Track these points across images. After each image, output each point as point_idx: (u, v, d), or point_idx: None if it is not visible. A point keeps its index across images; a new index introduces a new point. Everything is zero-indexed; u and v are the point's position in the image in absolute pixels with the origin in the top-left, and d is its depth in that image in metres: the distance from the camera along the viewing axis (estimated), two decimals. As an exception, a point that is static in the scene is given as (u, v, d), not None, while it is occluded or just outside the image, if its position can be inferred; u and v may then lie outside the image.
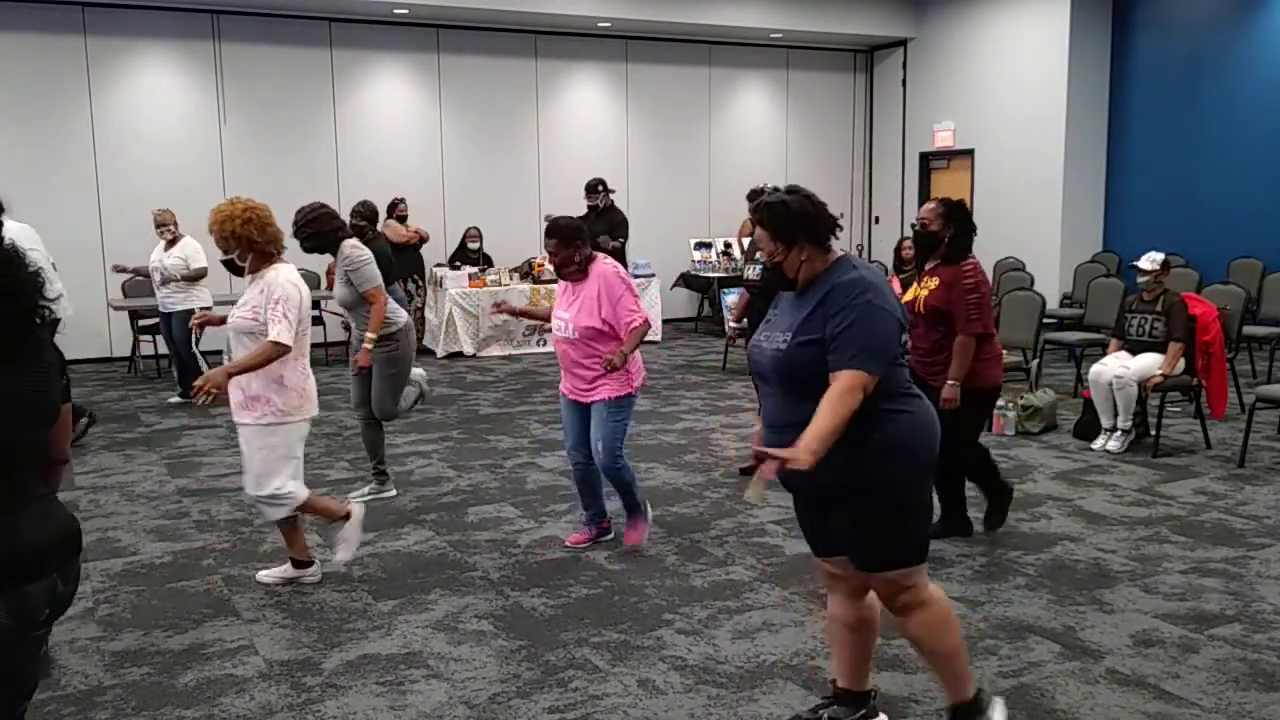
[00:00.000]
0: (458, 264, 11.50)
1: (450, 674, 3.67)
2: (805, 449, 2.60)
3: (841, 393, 2.70)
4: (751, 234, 9.55)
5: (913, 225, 4.96)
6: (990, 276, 11.33)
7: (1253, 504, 5.52)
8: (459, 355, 10.90)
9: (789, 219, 2.89)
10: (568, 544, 5.01)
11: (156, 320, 10.13)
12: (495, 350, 11.07)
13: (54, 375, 2.08)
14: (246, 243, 4.22)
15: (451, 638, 3.97)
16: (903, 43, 13.84)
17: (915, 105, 13.88)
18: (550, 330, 4.94)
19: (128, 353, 10.37)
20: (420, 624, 4.10)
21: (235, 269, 4.33)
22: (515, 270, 11.50)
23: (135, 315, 9.87)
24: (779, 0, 12.62)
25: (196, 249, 8.61)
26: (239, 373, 4.11)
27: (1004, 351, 5.08)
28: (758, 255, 6.15)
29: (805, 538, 3.12)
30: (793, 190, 2.97)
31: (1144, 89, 11.76)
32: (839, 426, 2.68)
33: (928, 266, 4.88)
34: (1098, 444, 6.70)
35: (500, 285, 11.07)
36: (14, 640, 2.00)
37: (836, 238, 2.97)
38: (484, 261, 11.63)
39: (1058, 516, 5.36)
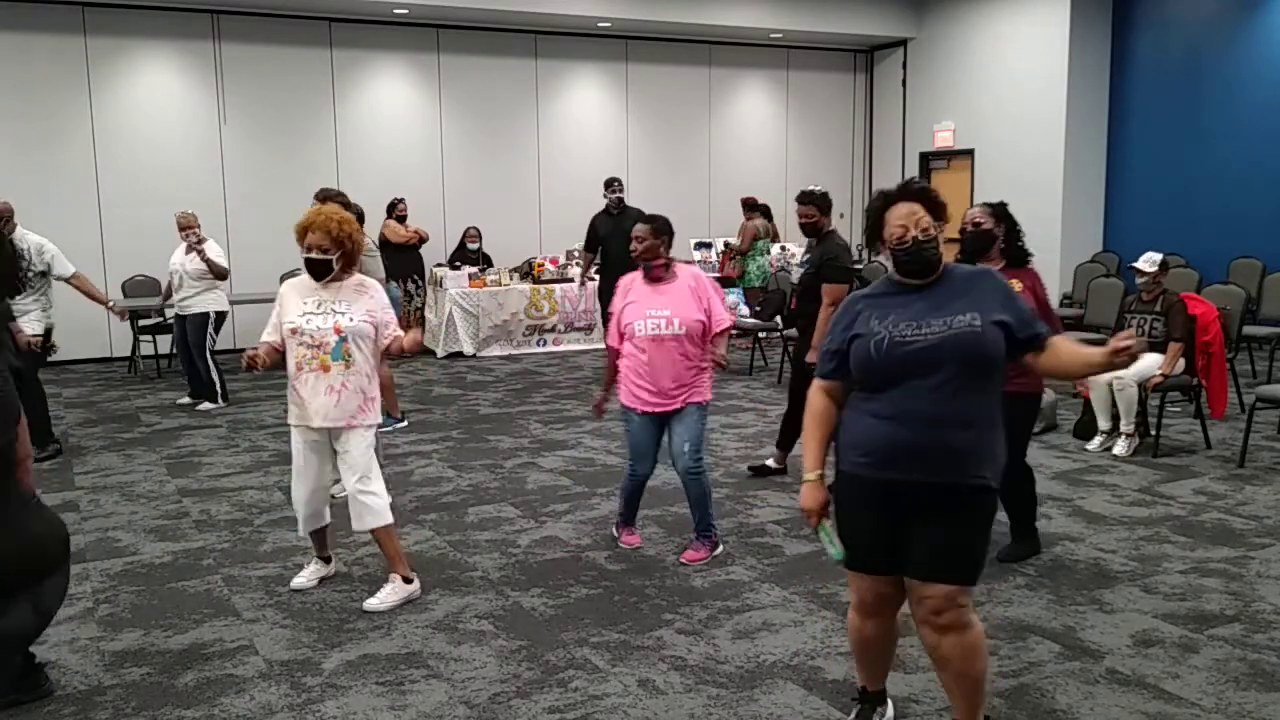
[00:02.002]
0: (458, 264, 11.50)
1: (450, 674, 3.67)
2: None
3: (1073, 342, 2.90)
4: (763, 236, 9.46)
5: (962, 228, 4.78)
6: (990, 276, 11.42)
7: (1253, 504, 5.52)
8: (459, 355, 10.90)
9: (940, 203, 2.95)
10: (624, 543, 4.97)
11: (157, 321, 10.17)
12: (495, 350, 11.07)
13: (9, 375, 2.11)
14: (351, 250, 4.28)
15: (451, 638, 3.97)
16: (903, 43, 13.84)
17: (915, 105, 13.88)
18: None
19: (128, 353, 10.37)
20: (420, 624, 4.10)
21: (318, 269, 4.25)
22: (515, 270, 11.50)
23: (135, 315, 9.86)
24: (779, 0, 12.62)
25: (219, 250, 8.48)
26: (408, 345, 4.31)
27: None
28: (804, 259, 6.03)
29: (868, 555, 2.90)
30: None
31: (1144, 89, 11.76)
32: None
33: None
34: (1093, 444, 6.70)
35: (500, 285, 11.07)
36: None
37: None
38: (483, 261, 11.63)
39: (1058, 516, 5.36)
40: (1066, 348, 2.88)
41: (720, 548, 4.86)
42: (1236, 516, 5.32)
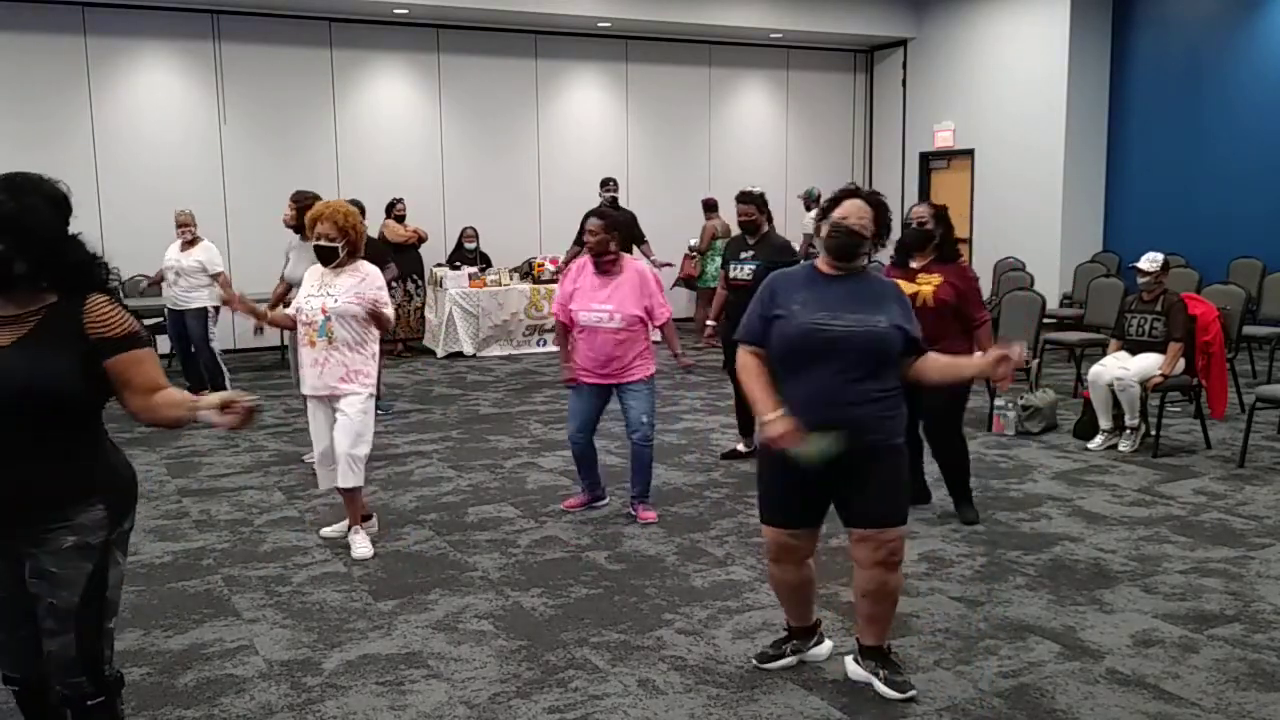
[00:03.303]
0: (457, 264, 11.50)
1: (450, 674, 3.67)
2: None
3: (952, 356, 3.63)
4: (719, 236, 9.94)
5: (905, 223, 5.33)
6: (990, 276, 11.44)
7: (1253, 504, 5.52)
8: (459, 355, 10.90)
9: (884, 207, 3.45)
10: (564, 506, 5.56)
11: (160, 319, 10.17)
12: (495, 350, 11.07)
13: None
14: (355, 240, 4.81)
15: (451, 638, 3.97)
16: (903, 43, 13.84)
17: (915, 105, 13.88)
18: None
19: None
20: (420, 624, 4.10)
21: (326, 255, 4.80)
22: (515, 270, 11.50)
23: (136, 315, 9.86)
24: (779, 0, 12.62)
25: (213, 251, 8.63)
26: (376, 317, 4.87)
27: None
28: (743, 255, 6.32)
29: (783, 512, 3.42)
30: None
31: (1144, 89, 11.76)
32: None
33: (918, 264, 5.24)
34: (1094, 444, 6.70)
35: (500, 285, 11.07)
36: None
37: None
38: (481, 261, 11.63)
39: (1058, 516, 5.36)
40: (942, 359, 3.52)
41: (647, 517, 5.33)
42: (1236, 516, 5.32)
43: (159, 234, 10.57)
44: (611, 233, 5.13)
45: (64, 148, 10.59)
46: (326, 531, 5.18)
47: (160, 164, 10.97)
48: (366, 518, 5.11)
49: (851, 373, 3.24)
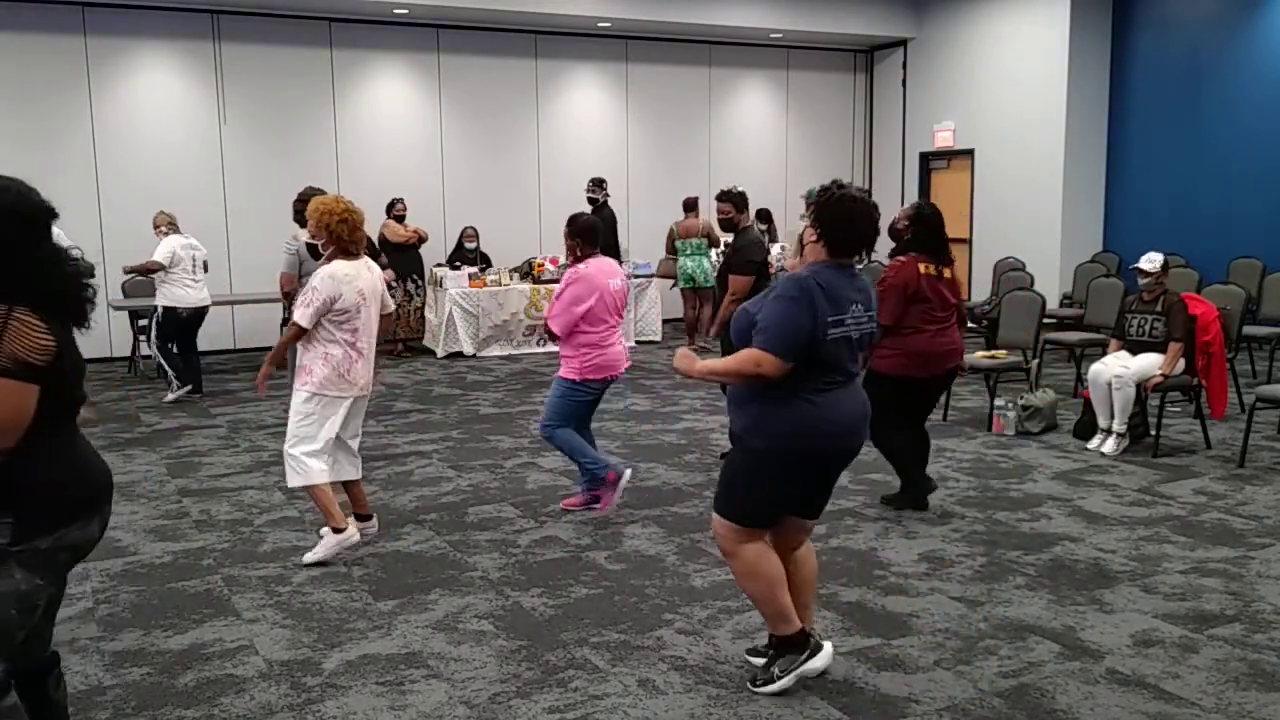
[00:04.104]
0: (457, 264, 11.49)
1: (450, 674, 3.67)
2: (686, 367, 3.54)
3: (743, 355, 3.36)
4: (679, 236, 10.00)
5: (894, 224, 5.62)
6: (990, 276, 11.44)
7: (1253, 504, 5.52)
8: (459, 355, 10.90)
9: (826, 206, 3.46)
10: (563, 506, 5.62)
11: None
12: (495, 350, 11.07)
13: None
14: (335, 237, 4.73)
15: (451, 638, 3.97)
16: (903, 43, 13.84)
17: (915, 105, 13.88)
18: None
19: (128, 353, 10.37)
20: (420, 624, 4.10)
21: (316, 253, 4.87)
22: (515, 270, 11.50)
23: (135, 315, 9.87)
24: (779, 0, 12.62)
25: (160, 247, 8.79)
26: (274, 356, 4.95)
27: (922, 349, 5.41)
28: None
29: (802, 504, 3.49)
30: None
31: (1144, 89, 11.76)
32: (728, 375, 3.48)
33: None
34: (1093, 444, 6.70)
35: (500, 285, 11.07)
36: (91, 548, 2.55)
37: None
38: (481, 261, 11.63)
39: (1058, 516, 5.36)
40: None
41: (610, 498, 5.39)
42: (1236, 516, 5.32)
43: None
44: (575, 239, 5.37)
45: (64, 148, 10.60)
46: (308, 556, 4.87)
47: (160, 164, 10.96)
48: (366, 518, 5.08)
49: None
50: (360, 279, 4.78)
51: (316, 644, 3.93)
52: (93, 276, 2.51)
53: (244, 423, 7.92)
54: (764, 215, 11.95)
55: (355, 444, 5.05)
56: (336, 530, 4.78)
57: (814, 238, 3.37)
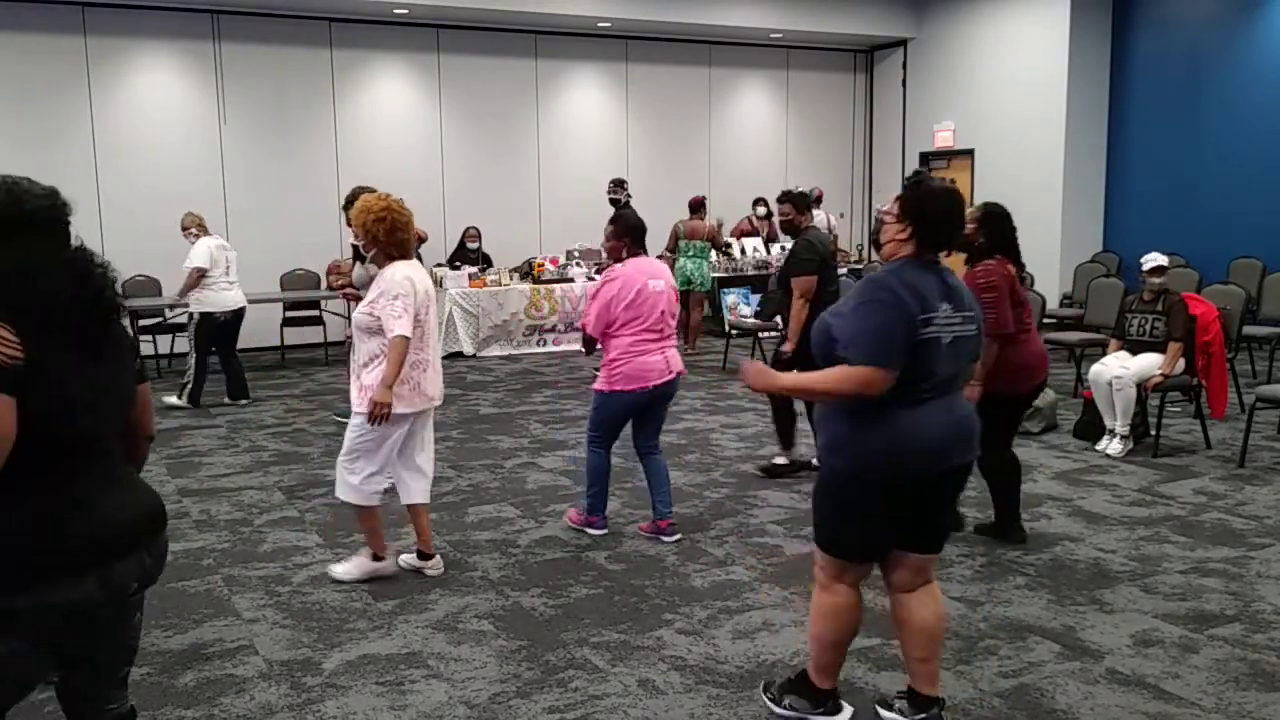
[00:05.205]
0: (458, 264, 11.50)
1: (450, 674, 3.67)
2: (764, 380, 3.14)
3: (837, 373, 2.98)
4: (684, 236, 9.65)
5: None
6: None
7: (1253, 504, 5.52)
8: (459, 355, 10.90)
9: (919, 198, 3.12)
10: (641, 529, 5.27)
11: (158, 320, 10.19)
12: (495, 350, 11.07)
13: (129, 362, 2.31)
14: (372, 238, 4.38)
15: (451, 638, 3.97)
16: (903, 43, 13.84)
17: (915, 105, 13.88)
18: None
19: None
20: (420, 624, 4.10)
21: (360, 257, 4.62)
22: (515, 270, 11.50)
23: (135, 315, 9.86)
24: (779, 0, 12.62)
25: (196, 249, 8.39)
26: (391, 384, 4.21)
27: None
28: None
29: (903, 535, 3.06)
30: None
31: (1144, 89, 11.76)
32: (815, 393, 3.15)
33: None
34: (1101, 444, 6.69)
35: (500, 285, 11.07)
36: (103, 609, 2.19)
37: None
38: (483, 261, 11.63)
39: (1058, 516, 5.36)
40: None
41: (597, 530, 5.13)
42: (1236, 516, 5.32)
43: (159, 234, 10.58)
44: (618, 239, 5.03)
45: (64, 148, 10.59)
46: (402, 559, 4.69)
47: (160, 164, 10.97)
48: (427, 556, 4.66)
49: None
50: (422, 281, 4.43)
51: (316, 644, 3.93)
52: (106, 289, 2.18)
53: (244, 423, 7.92)
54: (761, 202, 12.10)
55: (428, 462, 4.66)
56: (375, 558, 4.55)
57: (903, 232, 3.01)
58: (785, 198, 6.26)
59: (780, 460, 6.24)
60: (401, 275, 4.27)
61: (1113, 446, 6.58)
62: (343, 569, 4.58)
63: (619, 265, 4.99)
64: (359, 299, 4.80)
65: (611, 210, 10.43)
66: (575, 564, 4.76)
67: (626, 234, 5.00)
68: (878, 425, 2.92)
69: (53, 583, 2.08)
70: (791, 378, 3.06)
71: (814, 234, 6.11)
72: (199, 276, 8.32)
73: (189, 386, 8.47)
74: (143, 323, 9.98)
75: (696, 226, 11.15)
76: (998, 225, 4.85)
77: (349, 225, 5.05)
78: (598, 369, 5.12)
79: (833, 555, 3.08)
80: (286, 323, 10.82)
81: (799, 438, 6.17)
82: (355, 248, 4.64)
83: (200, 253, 8.33)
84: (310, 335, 11.06)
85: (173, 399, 8.53)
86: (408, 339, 4.18)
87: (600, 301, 4.92)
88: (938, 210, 3.02)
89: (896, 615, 3.18)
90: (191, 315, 8.44)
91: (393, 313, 4.18)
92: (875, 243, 3.24)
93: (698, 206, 11.40)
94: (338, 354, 10.80)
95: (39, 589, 2.06)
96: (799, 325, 5.79)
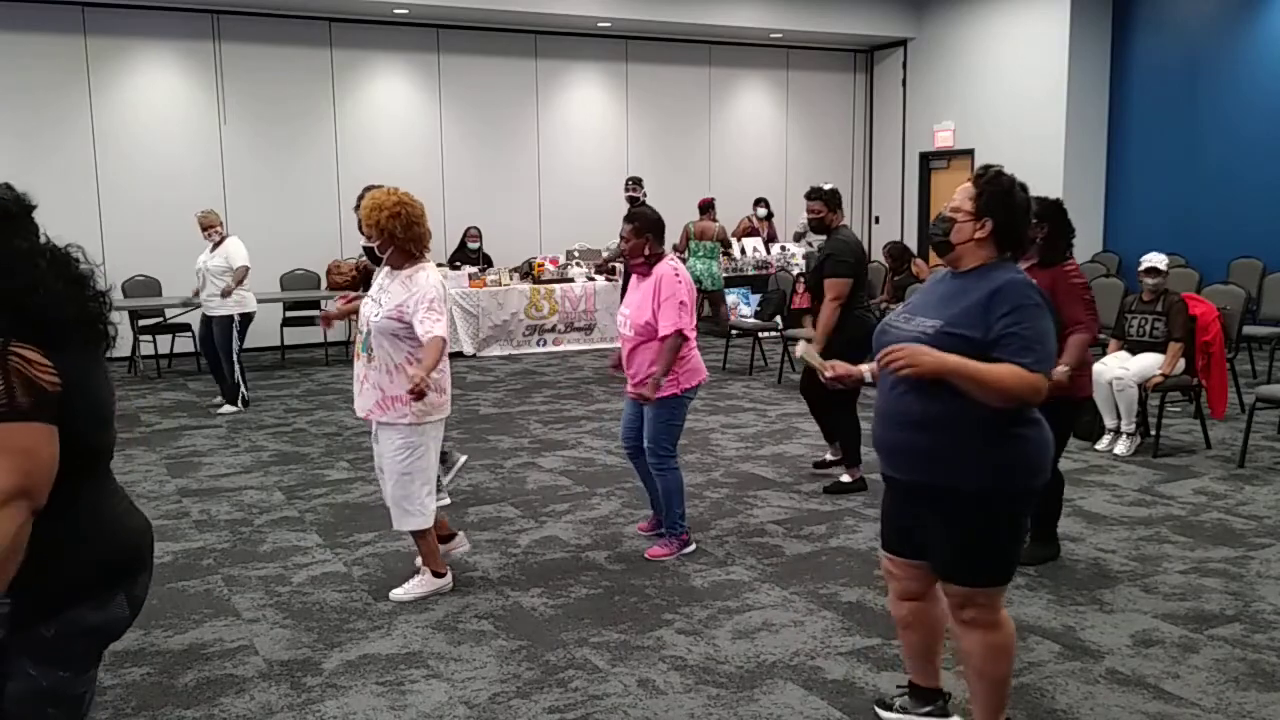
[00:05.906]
0: (458, 264, 11.50)
1: (450, 674, 3.67)
2: (930, 358, 2.62)
3: (1013, 374, 2.61)
4: (694, 237, 9.37)
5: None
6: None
7: (1253, 504, 5.52)
8: (459, 355, 10.89)
9: (999, 193, 2.85)
10: (638, 529, 5.18)
11: (157, 321, 10.18)
12: (495, 350, 11.07)
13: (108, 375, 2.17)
14: (388, 236, 4.16)
15: (451, 638, 3.97)
16: (903, 43, 13.85)
17: (915, 105, 13.89)
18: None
19: (128, 353, 10.36)
20: (420, 624, 4.10)
21: (374, 258, 4.34)
22: (515, 270, 11.50)
23: (135, 315, 9.86)
24: (779, 0, 12.63)
25: (237, 248, 8.27)
26: (429, 373, 3.93)
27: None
28: (810, 251, 6.07)
29: (885, 530, 3.05)
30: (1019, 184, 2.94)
31: (1144, 90, 11.76)
32: (986, 388, 2.60)
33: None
34: (1102, 444, 6.69)
35: (500, 285, 11.08)
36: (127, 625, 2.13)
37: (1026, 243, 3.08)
38: (484, 261, 11.63)
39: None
40: (1002, 367, 2.68)
41: (690, 547, 4.87)
42: (1236, 516, 5.32)
43: (159, 234, 10.61)
44: (643, 235, 4.79)
45: (64, 148, 10.60)
46: (395, 593, 4.41)
47: (160, 164, 10.97)
48: (449, 537, 4.61)
49: (897, 388, 2.76)
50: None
51: (316, 644, 3.93)
52: (84, 283, 2.03)
53: (244, 423, 7.92)
54: (761, 202, 12.08)
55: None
56: (437, 575, 4.42)
57: (982, 230, 2.79)
58: (815, 194, 5.94)
59: (846, 479, 5.88)
60: (436, 279, 4.17)
61: (1119, 445, 6.57)
62: (404, 593, 4.37)
63: (665, 262, 4.74)
64: (356, 311, 4.49)
65: (626, 210, 10.45)
66: (575, 564, 4.76)
67: (648, 230, 4.79)
68: (1015, 439, 2.72)
69: (86, 603, 2.02)
70: (958, 360, 2.61)
71: (846, 233, 5.87)
72: (245, 273, 8.22)
73: (241, 390, 8.34)
74: (142, 323, 9.98)
75: (707, 227, 11.19)
76: (1058, 220, 4.50)
77: (360, 231, 4.60)
78: (623, 377, 4.88)
79: (1007, 582, 2.86)
80: (286, 323, 10.82)
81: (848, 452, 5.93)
82: (369, 250, 4.31)
83: (243, 250, 8.24)
84: (310, 335, 11.07)
85: (229, 408, 8.31)
86: (446, 340, 4.04)
87: (676, 300, 4.63)
88: (1020, 208, 2.82)
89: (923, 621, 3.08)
90: (232, 317, 8.24)
91: (432, 315, 4.04)
92: (937, 245, 2.94)
93: (707, 207, 11.44)
94: (338, 354, 10.80)
95: (70, 609, 2.00)
96: (828, 328, 5.62)
